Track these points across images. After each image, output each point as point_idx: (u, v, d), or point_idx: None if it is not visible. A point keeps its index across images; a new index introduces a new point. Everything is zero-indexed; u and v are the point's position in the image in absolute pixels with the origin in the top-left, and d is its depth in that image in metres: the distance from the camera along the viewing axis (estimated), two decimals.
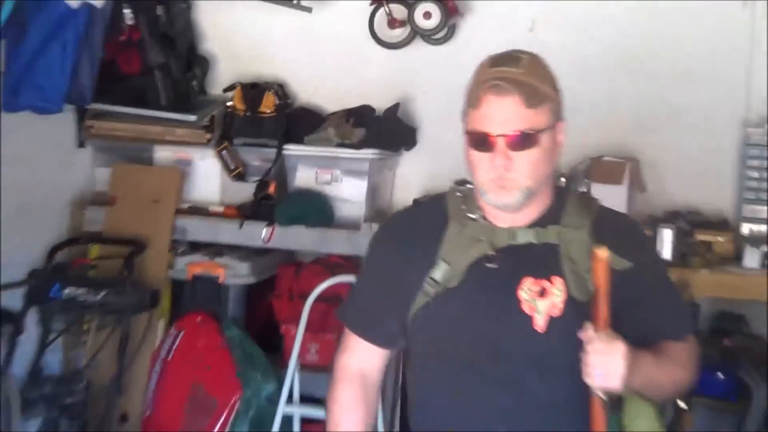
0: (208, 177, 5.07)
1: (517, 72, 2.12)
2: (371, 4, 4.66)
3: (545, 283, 2.16)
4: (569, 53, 4.37)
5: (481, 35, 4.74)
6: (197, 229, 4.81)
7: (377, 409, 2.42)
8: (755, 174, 4.40)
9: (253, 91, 4.90)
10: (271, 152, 4.76)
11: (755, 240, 4.35)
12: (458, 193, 2.29)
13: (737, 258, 4.31)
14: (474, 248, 2.21)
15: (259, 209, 4.58)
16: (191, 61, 5.20)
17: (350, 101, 4.61)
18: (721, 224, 4.52)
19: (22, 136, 4.44)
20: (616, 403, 2.17)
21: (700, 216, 4.56)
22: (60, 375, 4.82)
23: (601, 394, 2.06)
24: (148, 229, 4.76)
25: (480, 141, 2.14)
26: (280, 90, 4.93)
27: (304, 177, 4.54)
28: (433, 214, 2.31)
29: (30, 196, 4.60)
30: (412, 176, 4.91)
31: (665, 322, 2.25)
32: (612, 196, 4.23)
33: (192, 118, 4.90)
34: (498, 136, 2.10)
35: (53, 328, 4.71)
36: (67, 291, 4.55)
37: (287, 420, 4.13)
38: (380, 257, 2.41)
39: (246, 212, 4.66)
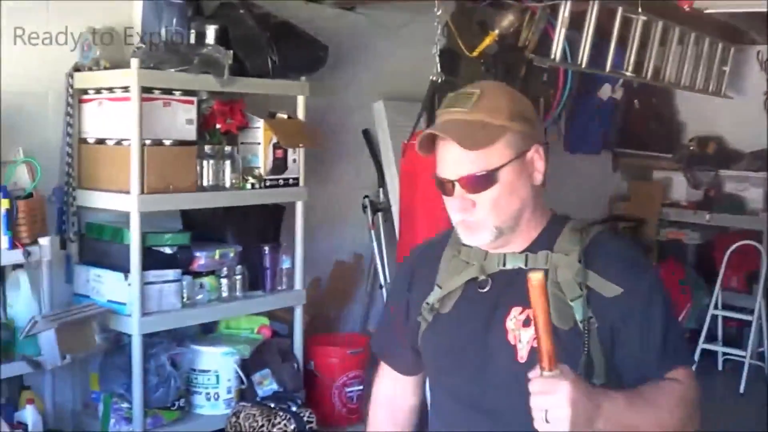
0: None
1: (464, 112, 1.81)
2: None
3: (530, 312, 1.70)
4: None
5: None
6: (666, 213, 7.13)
7: (411, 426, 2.25)
8: None
9: None
10: None
11: None
12: None
13: None
14: (465, 272, 1.93)
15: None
16: None
17: None
18: None
19: (582, 167, 6.67)
20: None
21: None
22: None
23: None
24: (647, 214, 7.20)
25: (440, 185, 1.87)
26: None
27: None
28: (439, 245, 2.02)
29: (583, 197, 6.58)
30: None
31: (651, 357, 1.85)
32: None
33: (669, 156, 7.30)
34: (452, 180, 1.82)
35: None
36: None
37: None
38: (396, 290, 2.22)
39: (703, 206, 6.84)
